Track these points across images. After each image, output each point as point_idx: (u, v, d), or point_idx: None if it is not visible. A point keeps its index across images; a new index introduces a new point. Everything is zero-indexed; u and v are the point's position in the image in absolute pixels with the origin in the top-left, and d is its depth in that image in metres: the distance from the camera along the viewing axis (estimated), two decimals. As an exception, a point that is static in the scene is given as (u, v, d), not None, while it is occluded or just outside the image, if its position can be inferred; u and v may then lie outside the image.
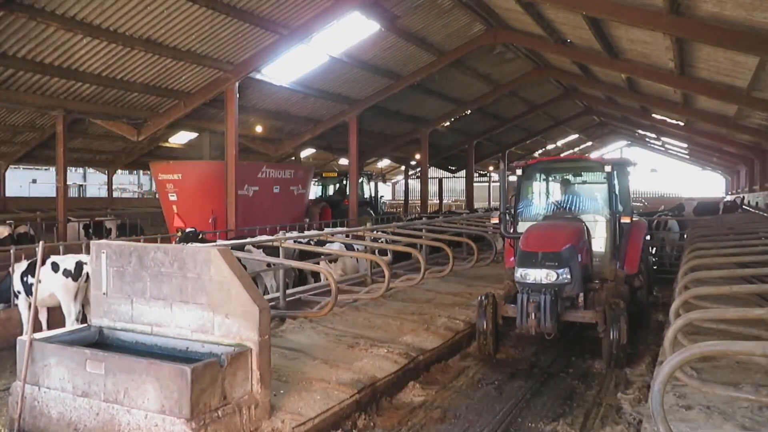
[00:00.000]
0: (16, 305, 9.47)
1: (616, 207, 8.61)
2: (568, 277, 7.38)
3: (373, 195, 28.39)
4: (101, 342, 5.98)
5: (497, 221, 9.17)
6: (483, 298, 8.03)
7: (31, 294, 8.97)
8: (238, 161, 17.01)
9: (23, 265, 9.24)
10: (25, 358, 5.52)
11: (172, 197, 17.75)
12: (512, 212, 9.18)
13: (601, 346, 7.62)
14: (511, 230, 8.92)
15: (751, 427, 4.05)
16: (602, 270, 8.48)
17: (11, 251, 10.13)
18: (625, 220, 8.57)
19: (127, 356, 5.20)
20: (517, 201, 9.36)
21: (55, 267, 8.89)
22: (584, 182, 9.83)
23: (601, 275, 8.42)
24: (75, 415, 5.22)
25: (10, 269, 9.48)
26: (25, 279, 9.01)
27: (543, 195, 9.86)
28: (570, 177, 9.65)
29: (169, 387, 4.78)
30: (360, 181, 27.25)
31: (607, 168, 8.59)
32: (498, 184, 9.70)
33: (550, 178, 10.00)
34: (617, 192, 8.76)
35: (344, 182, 26.27)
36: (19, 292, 9.14)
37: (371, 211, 26.38)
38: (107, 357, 5.19)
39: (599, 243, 8.64)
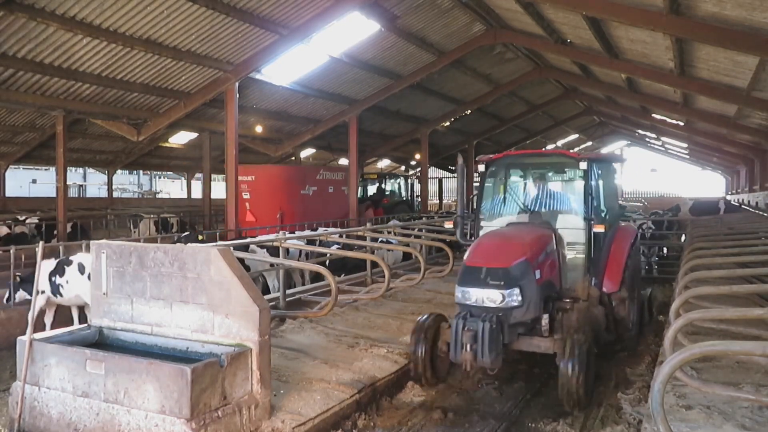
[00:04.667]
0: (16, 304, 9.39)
1: (591, 211, 7.25)
2: (518, 298, 6.17)
3: (408, 195, 30.62)
4: (101, 342, 5.98)
5: (452, 225, 7.88)
6: (425, 318, 6.89)
7: (58, 294, 8.98)
8: (301, 165, 18.10)
9: (51, 263, 9.16)
10: (25, 358, 5.52)
11: (246, 196, 20.28)
12: (474, 215, 7.99)
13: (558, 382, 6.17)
14: (470, 237, 7.71)
15: (751, 427, 4.05)
16: (575, 287, 7.23)
17: (11, 251, 10.14)
18: (598, 228, 7.10)
19: (127, 356, 5.20)
20: (479, 202, 8.02)
21: (81, 268, 8.82)
22: (559, 180, 8.36)
23: (574, 293, 7.16)
24: (75, 415, 5.22)
25: (37, 266, 9.30)
26: (53, 279, 8.96)
27: (510, 195, 8.19)
28: (543, 174, 8.27)
29: (169, 387, 4.78)
30: (398, 181, 30.51)
31: (583, 164, 7.29)
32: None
33: (519, 176, 8.47)
34: (595, 193, 7.46)
35: (383, 182, 29.38)
36: (42, 291, 9.01)
37: (408, 209, 28.38)
38: (107, 357, 5.19)
39: (573, 253, 7.42)
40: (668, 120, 25.44)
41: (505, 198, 8.09)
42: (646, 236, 16.60)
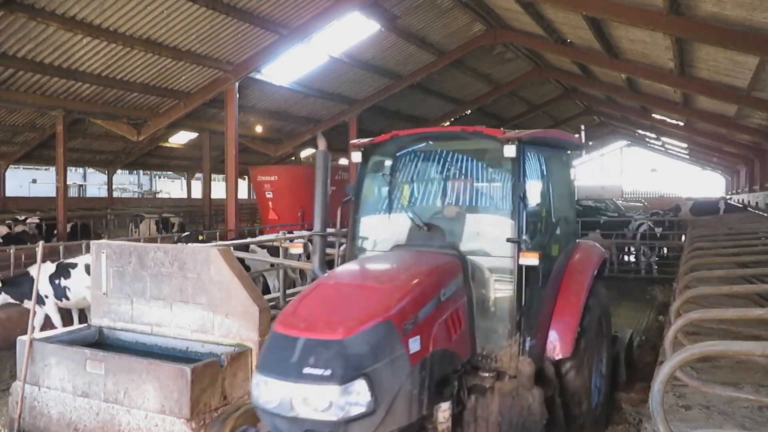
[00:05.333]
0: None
1: (521, 227, 4.56)
2: (366, 399, 3.40)
3: None
4: (101, 342, 5.99)
5: (301, 250, 5.23)
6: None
7: (64, 297, 8.85)
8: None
9: (49, 267, 8.96)
10: (25, 358, 5.52)
11: (269, 195, 21.40)
12: (348, 233, 5.30)
13: None
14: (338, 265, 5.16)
15: (751, 427, 4.05)
16: (499, 353, 4.56)
17: (11, 251, 10.13)
18: (528, 258, 4.28)
19: (127, 356, 5.21)
20: (355, 211, 5.32)
21: (89, 270, 8.66)
22: (476, 176, 5.33)
23: (496, 363, 4.55)
24: (75, 415, 5.22)
25: (31, 270, 9.10)
26: (56, 282, 8.74)
27: (400, 201, 5.42)
28: (452, 167, 5.40)
29: (169, 387, 4.78)
30: None
31: (509, 150, 4.56)
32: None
33: (415, 170, 5.48)
34: (534, 196, 4.67)
35: None
36: (46, 296, 8.81)
37: None
38: (107, 357, 5.19)
39: (498, 296, 4.70)
40: (668, 120, 25.44)
41: (392, 205, 5.30)
42: (645, 237, 16.67)
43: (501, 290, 4.71)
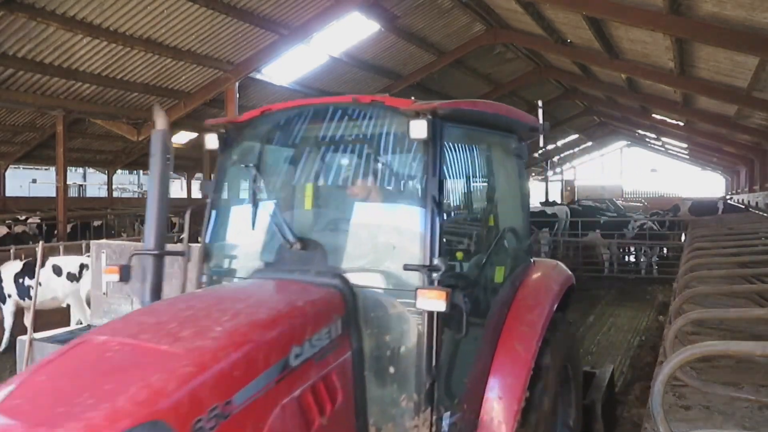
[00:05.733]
0: None
1: (435, 245, 2.99)
2: None
3: None
4: (101, 342, 5.99)
5: (116, 276, 3.57)
6: None
7: (27, 297, 8.76)
8: None
9: (16, 265, 8.89)
10: (25, 358, 5.53)
11: None
12: (202, 250, 3.89)
13: None
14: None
15: (751, 427, 4.05)
16: None
17: (11, 250, 10.13)
18: (429, 299, 2.75)
19: (127, 356, 5.21)
20: (209, 217, 3.96)
21: (56, 270, 8.62)
22: (379, 168, 3.57)
23: None
24: (75, 415, 5.22)
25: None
26: (21, 281, 8.54)
27: (275, 203, 3.77)
28: (343, 154, 3.98)
29: (169, 387, 4.78)
30: None
31: (418, 128, 3.11)
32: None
33: (296, 159, 3.95)
34: (461, 200, 3.78)
35: None
36: (9, 295, 8.62)
37: None
38: (107, 357, 5.20)
39: (402, 348, 3.13)
40: (668, 120, 25.47)
41: (256, 210, 3.71)
42: (645, 237, 16.69)
43: (409, 339, 3.08)
